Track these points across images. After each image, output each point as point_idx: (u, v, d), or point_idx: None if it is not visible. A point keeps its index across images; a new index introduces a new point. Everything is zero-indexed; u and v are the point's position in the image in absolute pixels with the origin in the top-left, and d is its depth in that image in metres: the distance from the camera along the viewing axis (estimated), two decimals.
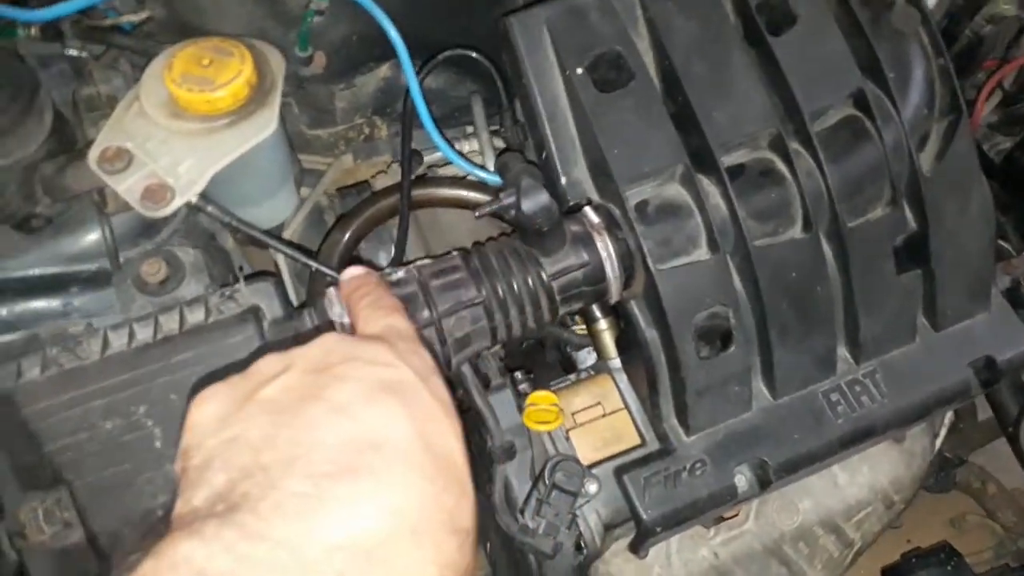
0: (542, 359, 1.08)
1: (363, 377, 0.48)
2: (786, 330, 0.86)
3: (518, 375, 0.98)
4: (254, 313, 0.77)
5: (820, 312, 0.88)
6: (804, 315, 0.87)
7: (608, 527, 0.90)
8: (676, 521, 0.86)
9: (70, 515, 0.73)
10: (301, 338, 0.55)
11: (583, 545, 0.89)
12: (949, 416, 1.22)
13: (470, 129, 1.19)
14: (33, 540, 0.73)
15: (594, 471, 0.88)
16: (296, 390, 0.48)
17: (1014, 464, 1.47)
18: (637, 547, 0.92)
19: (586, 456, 0.90)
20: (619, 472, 0.88)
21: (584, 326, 1.02)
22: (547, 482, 0.84)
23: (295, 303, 0.98)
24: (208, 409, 0.49)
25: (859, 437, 0.90)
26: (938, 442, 1.19)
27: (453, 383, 0.93)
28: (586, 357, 1.08)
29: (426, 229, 1.04)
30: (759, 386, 0.90)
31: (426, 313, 0.78)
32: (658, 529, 0.86)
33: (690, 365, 0.84)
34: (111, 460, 0.72)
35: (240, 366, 0.52)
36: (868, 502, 1.07)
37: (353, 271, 0.67)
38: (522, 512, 0.86)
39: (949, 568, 1.18)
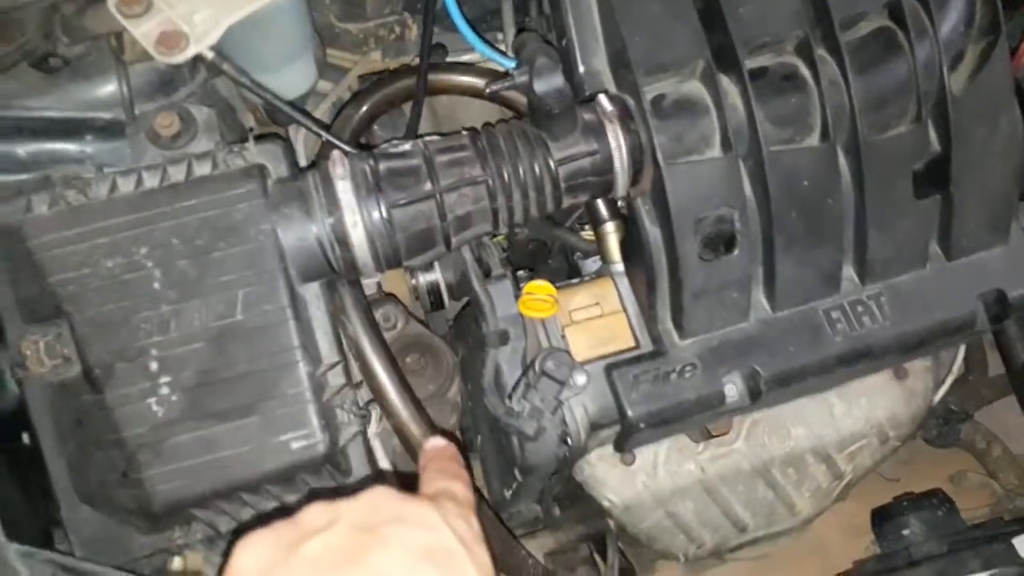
0: (546, 262, 1.08)
1: (408, 542, 0.48)
2: (792, 241, 0.85)
3: (521, 273, 0.98)
4: (259, 170, 0.78)
5: (829, 226, 0.86)
6: (812, 227, 0.85)
7: (595, 426, 0.91)
8: (660, 420, 0.87)
9: (70, 350, 0.75)
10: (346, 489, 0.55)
11: (568, 438, 0.90)
12: (958, 365, 1.20)
13: (500, 36, 1.17)
14: (33, 372, 0.76)
15: (586, 368, 0.89)
16: (340, 550, 0.47)
17: (1020, 429, 1.46)
18: (621, 444, 0.93)
19: (580, 353, 0.91)
20: (609, 369, 0.88)
21: (591, 232, 1.02)
22: (537, 369, 0.85)
23: None
24: (249, 558, 0.48)
25: (856, 357, 0.89)
26: (944, 388, 1.17)
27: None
28: (592, 266, 1.08)
29: (442, 119, 1.03)
30: (759, 297, 0.89)
31: (428, 186, 0.78)
32: (641, 425, 0.86)
33: (690, 265, 0.83)
34: (110, 297, 0.74)
35: (286, 511, 0.52)
36: (863, 435, 1.06)
37: (435, 441, 0.68)
38: (510, 397, 0.87)
39: (940, 514, 1.17)
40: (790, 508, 1.10)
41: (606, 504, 1.03)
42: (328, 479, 0.81)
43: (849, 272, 0.90)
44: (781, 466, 1.06)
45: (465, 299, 1.14)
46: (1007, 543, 0.96)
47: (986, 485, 1.49)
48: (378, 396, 0.81)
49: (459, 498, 0.57)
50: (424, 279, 1.10)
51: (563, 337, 0.92)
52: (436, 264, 1.12)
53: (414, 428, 0.83)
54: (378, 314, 1.04)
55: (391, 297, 1.18)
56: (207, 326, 0.74)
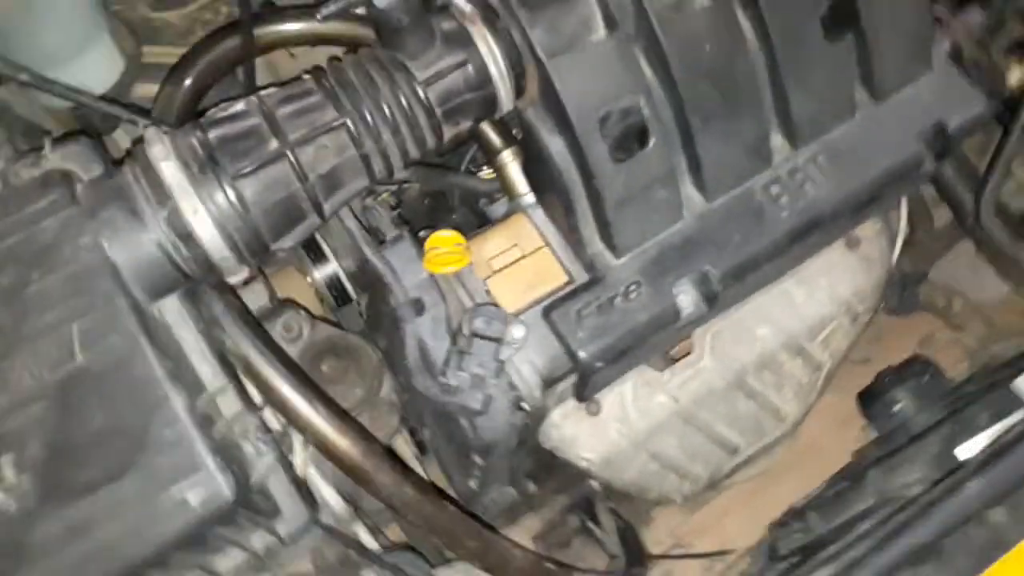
0: (450, 217, 0.95)
1: None
2: (709, 117, 0.75)
3: (423, 234, 0.85)
4: (62, 175, 0.62)
5: (745, 92, 0.76)
6: (727, 97, 0.75)
7: (548, 381, 0.79)
8: (617, 353, 0.76)
9: None
10: None
11: (522, 403, 0.78)
12: (903, 224, 1.13)
13: None
14: None
15: (520, 318, 0.77)
16: None
17: (976, 277, 1.41)
18: (582, 392, 0.81)
19: (510, 304, 0.79)
20: (547, 312, 0.77)
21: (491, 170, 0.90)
22: (465, 332, 0.73)
23: None
24: None
25: (807, 229, 0.80)
26: (896, 250, 1.10)
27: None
28: (501, 209, 0.95)
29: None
30: (689, 191, 0.78)
31: (274, 144, 0.64)
32: (598, 365, 0.75)
33: (604, 171, 0.72)
34: None
35: None
36: (831, 316, 0.98)
37: None
38: (443, 373, 0.74)
39: (926, 380, 1.10)
40: (776, 414, 1.01)
41: (583, 464, 0.92)
42: (251, 526, 0.67)
43: (778, 141, 0.81)
44: (756, 372, 0.96)
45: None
46: (1005, 388, 0.89)
47: (955, 341, 1.44)
48: (284, 411, 0.68)
49: None
50: (320, 274, 0.97)
51: (487, 292, 0.79)
52: (330, 254, 0.98)
53: (337, 438, 0.69)
54: (278, 325, 0.91)
55: (289, 303, 1.04)
56: (43, 381, 0.59)
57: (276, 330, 0.91)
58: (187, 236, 0.61)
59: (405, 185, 0.87)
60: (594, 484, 1.05)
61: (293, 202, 0.65)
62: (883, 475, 0.95)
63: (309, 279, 0.99)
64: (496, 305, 0.77)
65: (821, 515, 1.02)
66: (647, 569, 1.09)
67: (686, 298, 0.77)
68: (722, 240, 0.77)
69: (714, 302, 0.78)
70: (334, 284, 0.98)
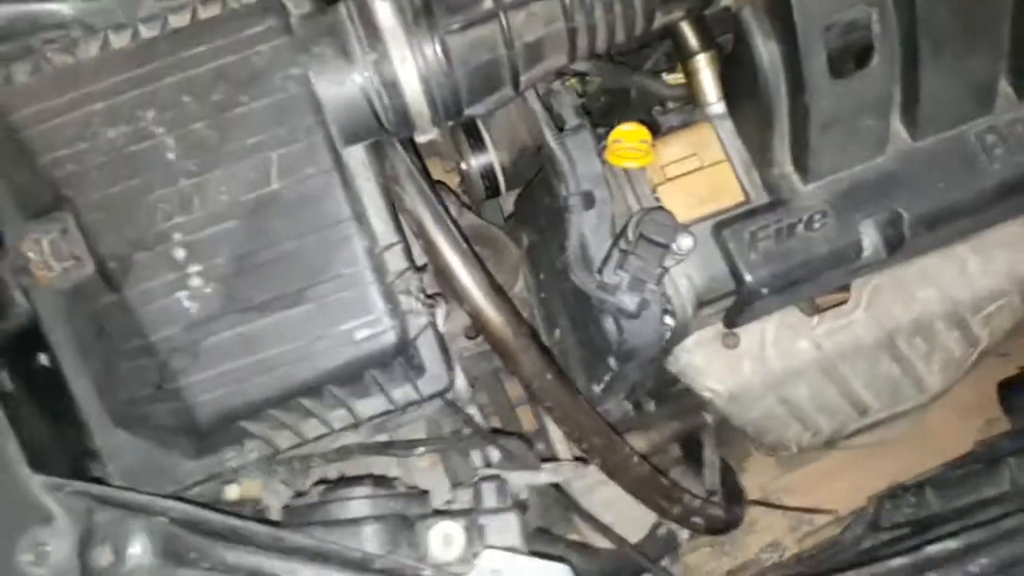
0: (624, 119, 0.92)
1: None
2: (940, 45, 0.68)
3: (599, 131, 0.83)
4: (278, 3, 0.62)
5: (983, 25, 0.69)
6: (965, 28, 0.68)
7: (703, 300, 0.77)
8: (785, 284, 0.72)
9: (80, 248, 0.62)
10: None
11: (671, 315, 0.76)
12: None
13: None
14: (41, 278, 0.63)
15: (690, 230, 0.74)
16: None
17: None
18: (735, 318, 0.79)
19: (679, 215, 0.76)
20: (719, 228, 0.74)
21: (679, 74, 0.86)
22: (633, 234, 0.71)
23: None
24: None
25: (1018, 188, 0.73)
26: None
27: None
28: (673, 120, 0.91)
29: None
30: (897, 125, 0.73)
31: (488, 3, 0.62)
32: (764, 291, 0.72)
33: (818, 86, 0.67)
34: (117, 175, 0.61)
35: None
36: (1002, 293, 0.91)
37: None
38: (600, 271, 0.73)
39: None
40: (917, 384, 0.96)
41: (708, 395, 0.90)
42: (401, 377, 0.69)
43: (1005, 87, 0.74)
44: (908, 336, 0.91)
45: (522, 185, 1.01)
46: None
47: None
48: (447, 278, 0.68)
49: None
50: (476, 162, 0.96)
51: (657, 198, 0.77)
52: (489, 144, 0.97)
53: (492, 312, 0.69)
54: None
55: (441, 184, 1.05)
56: (238, 200, 0.60)
57: None
58: (391, 84, 0.61)
59: (587, 78, 0.84)
60: (708, 417, 1.03)
61: (495, 67, 0.63)
62: (1022, 468, 0.90)
63: (463, 166, 0.98)
64: (666, 209, 0.74)
65: (940, 494, 0.98)
66: (744, 512, 1.08)
67: (869, 239, 0.73)
68: (922, 184, 0.72)
69: (897, 248, 0.73)
70: (488, 174, 0.98)
